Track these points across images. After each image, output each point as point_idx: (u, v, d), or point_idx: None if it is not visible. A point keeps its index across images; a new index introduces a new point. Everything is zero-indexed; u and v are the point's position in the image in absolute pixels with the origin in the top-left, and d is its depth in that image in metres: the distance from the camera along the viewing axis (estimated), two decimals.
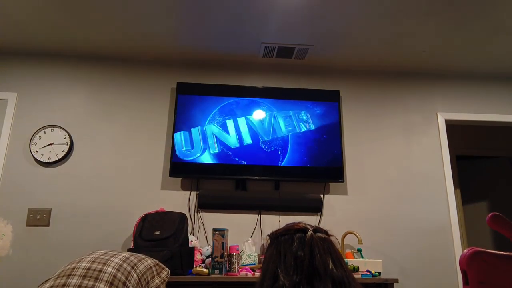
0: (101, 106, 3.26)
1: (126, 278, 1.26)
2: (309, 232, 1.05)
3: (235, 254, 2.56)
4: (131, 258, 1.37)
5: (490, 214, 1.21)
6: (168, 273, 1.46)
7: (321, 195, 3.18)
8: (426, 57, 3.34)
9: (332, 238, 1.09)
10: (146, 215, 2.69)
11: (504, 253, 1.14)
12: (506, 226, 1.18)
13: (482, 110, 3.52)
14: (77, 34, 3.05)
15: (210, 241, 2.90)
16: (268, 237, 1.13)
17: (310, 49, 3.22)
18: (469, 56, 3.31)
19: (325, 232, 1.09)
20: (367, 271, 2.63)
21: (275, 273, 1.00)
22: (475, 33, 2.97)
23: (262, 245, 3.01)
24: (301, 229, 1.06)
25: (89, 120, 3.22)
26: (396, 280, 2.56)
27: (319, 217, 3.14)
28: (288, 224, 1.11)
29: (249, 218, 3.09)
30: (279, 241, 1.06)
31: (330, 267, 0.99)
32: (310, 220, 3.08)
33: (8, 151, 3.07)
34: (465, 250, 1.16)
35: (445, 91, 3.56)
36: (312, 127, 3.23)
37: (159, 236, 2.47)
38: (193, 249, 2.62)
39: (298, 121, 3.24)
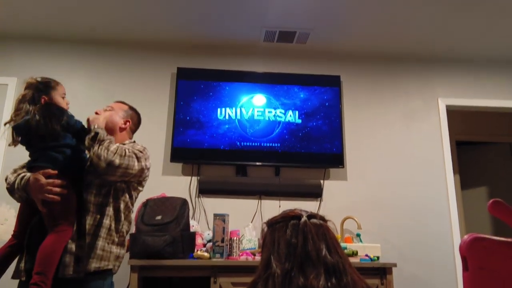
0: (101, 91, 3.24)
1: None
2: (303, 219, 1.04)
3: (236, 239, 2.58)
4: None
5: (491, 200, 1.21)
6: None
7: (321, 181, 3.19)
8: (427, 42, 3.31)
9: (328, 223, 1.08)
10: (148, 201, 2.70)
11: (505, 239, 1.14)
12: (507, 212, 1.19)
13: (483, 95, 3.51)
14: (77, 19, 3.02)
15: (211, 226, 2.92)
16: (264, 225, 1.12)
17: (311, 34, 3.19)
18: (470, 41, 3.29)
19: (321, 218, 1.08)
20: (366, 255, 2.65)
21: (269, 260, 1.00)
22: (477, 17, 2.94)
23: (262, 230, 3.01)
24: (296, 216, 1.06)
25: (89, 105, 3.19)
26: (395, 265, 2.58)
27: (319, 202, 3.16)
28: (283, 211, 1.10)
29: (249, 203, 3.11)
30: (274, 228, 1.06)
31: (323, 253, 0.98)
32: (310, 205, 3.11)
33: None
34: (465, 236, 1.17)
35: (446, 76, 3.54)
36: (312, 112, 3.22)
37: (161, 221, 2.48)
38: (194, 233, 2.64)
39: (298, 106, 3.23)
